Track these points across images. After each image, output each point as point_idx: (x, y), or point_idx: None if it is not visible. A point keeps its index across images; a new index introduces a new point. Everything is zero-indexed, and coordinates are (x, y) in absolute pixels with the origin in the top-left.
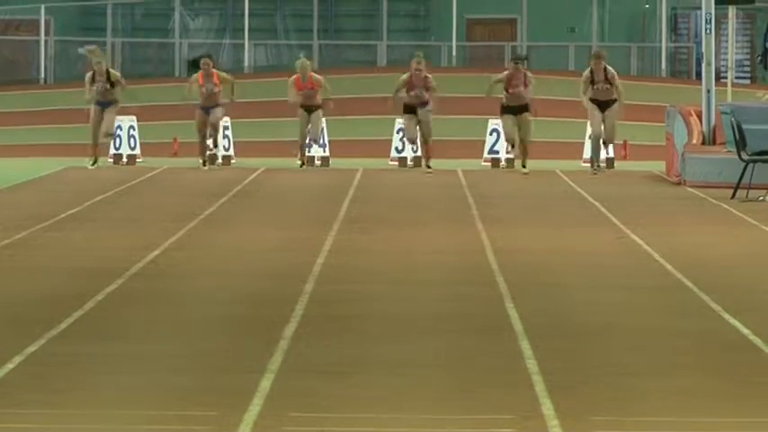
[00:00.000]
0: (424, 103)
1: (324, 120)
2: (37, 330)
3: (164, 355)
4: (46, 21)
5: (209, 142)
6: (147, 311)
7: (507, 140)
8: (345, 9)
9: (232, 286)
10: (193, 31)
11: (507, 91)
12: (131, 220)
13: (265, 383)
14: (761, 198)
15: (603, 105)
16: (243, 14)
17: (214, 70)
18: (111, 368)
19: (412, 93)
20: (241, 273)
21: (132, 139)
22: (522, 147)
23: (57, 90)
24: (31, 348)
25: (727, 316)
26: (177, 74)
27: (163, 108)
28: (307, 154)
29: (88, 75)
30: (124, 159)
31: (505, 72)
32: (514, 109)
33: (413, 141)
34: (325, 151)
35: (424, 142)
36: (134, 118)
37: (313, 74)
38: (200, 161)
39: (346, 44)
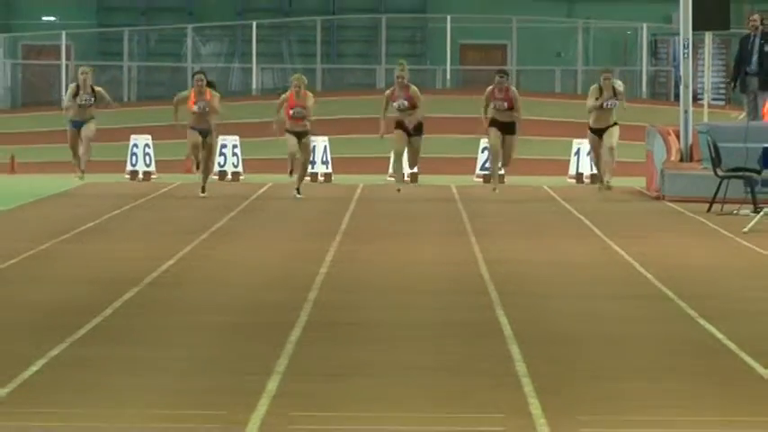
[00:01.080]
0: (419, 128)
1: (312, 144)
2: (59, 335)
3: (177, 358)
4: (67, 46)
5: (201, 172)
6: (162, 318)
7: (492, 153)
8: (346, 35)
9: (240, 295)
10: (205, 55)
11: (490, 102)
12: (146, 233)
13: (272, 385)
14: (735, 212)
15: (601, 132)
16: (251, 40)
17: (207, 88)
18: (128, 371)
19: (395, 103)
20: (249, 282)
21: (147, 157)
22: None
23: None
24: (54, 352)
25: (703, 322)
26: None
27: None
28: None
29: (72, 86)
30: (140, 176)
31: (490, 87)
32: (500, 125)
33: (399, 155)
34: (327, 168)
35: (410, 165)
36: (149, 137)
37: (307, 91)
38: (200, 189)
39: (347, 68)
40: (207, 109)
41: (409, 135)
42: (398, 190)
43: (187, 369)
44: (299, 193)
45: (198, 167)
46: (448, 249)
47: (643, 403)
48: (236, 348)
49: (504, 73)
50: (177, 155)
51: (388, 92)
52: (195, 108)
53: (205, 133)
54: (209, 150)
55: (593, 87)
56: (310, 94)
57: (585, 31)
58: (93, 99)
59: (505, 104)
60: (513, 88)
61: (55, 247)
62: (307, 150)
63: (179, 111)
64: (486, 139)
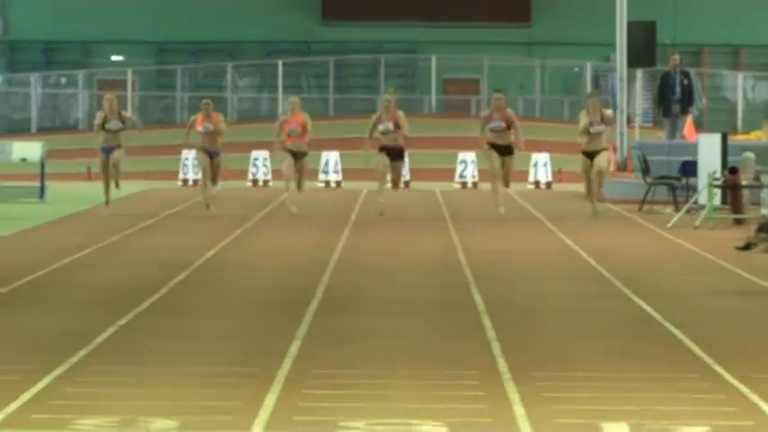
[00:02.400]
0: (400, 153)
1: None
2: (126, 309)
3: (217, 327)
4: (132, 80)
5: (212, 191)
6: (206, 295)
7: (492, 176)
8: (353, 71)
9: (268, 277)
10: (241, 87)
11: (488, 124)
12: (194, 228)
13: (294, 348)
14: (666, 211)
15: (592, 156)
16: (277, 75)
17: (214, 112)
18: (180, 336)
19: (381, 126)
20: (275, 266)
21: (196, 167)
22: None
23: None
24: (121, 322)
25: (635, 298)
26: (229, 118)
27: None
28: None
29: (99, 113)
30: (190, 182)
31: (487, 111)
32: (499, 148)
33: (382, 176)
34: (338, 176)
35: (393, 183)
36: (195, 152)
37: (302, 112)
38: (205, 204)
39: (354, 97)
40: (211, 129)
41: (391, 159)
42: (381, 213)
43: (226, 335)
44: (294, 209)
45: (204, 185)
46: (433, 240)
47: (587, 361)
48: (265, 319)
49: (500, 91)
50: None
51: (375, 115)
52: (201, 129)
53: (212, 154)
54: (215, 170)
55: (582, 112)
56: (306, 115)
57: (542, 68)
58: (121, 124)
59: (503, 125)
60: (510, 109)
61: (122, 239)
62: (302, 170)
63: (190, 135)
64: (485, 158)
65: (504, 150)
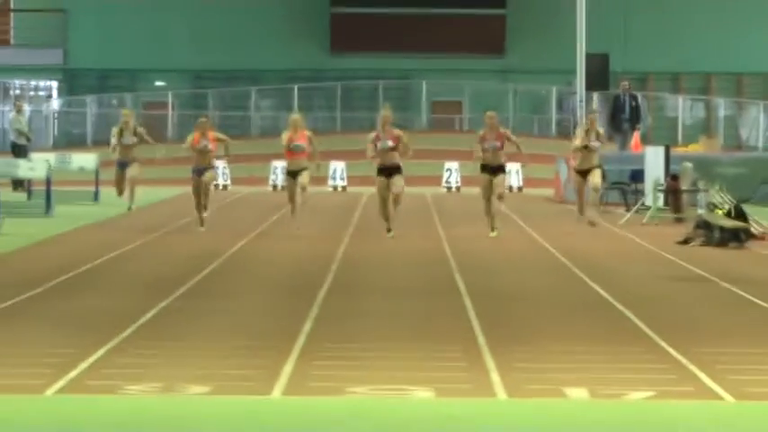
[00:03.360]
0: (397, 170)
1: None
2: (165, 293)
3: (242, 308)
4: (172, 102)
5: (205, 214)
6: (232, 281)
7: (484, 200)
8: (357, 94)
9: (285, 265)
10: (263, 108)
11: (483, 144)
12: (223, 225)
13: (307, 326)
14: (619, 212)
15: (585, 173)
16: (293, 97)
17: (211, 132)
18: (210, 316)
19: (379, 143)
20: (292, 257)
21: (225, 175)
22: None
23: (178, 144)
24: (162, 304)
25: (592, 283)
26: (252, 133)
27: (244, 155)
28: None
29: (115, 129)
30: (221, 187)
31: (481, 131)
32: (491, 169)
33: (383, 200)
34: (344, 182)
35: (393, 200)
36: (225, 163)
37: (306, 130)
38: (199, 225)
39: (357, 115)
40: (209, 148)
41: (388, 177)
42: (389, 230)
43: (249, 315)
44: (298, 229)
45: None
46: (423, 235)
47: (552, 335)
48: (282, 302)
49: (490, 110)
50: (244, 173)
51: (372, 134)
52: (199, 146)
53: (201, 171)
54: (204, 186)
55: (579, 129)
56: (309, 133)
57: (514, 91)
58: (135, 138)
59: (498, 144)
60: (503, 128)
61: (162, 236)
62: (304, 189)
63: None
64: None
65: (496, 170)
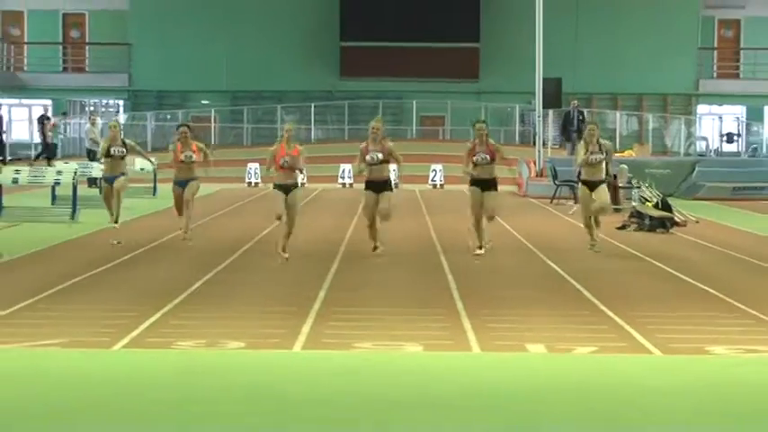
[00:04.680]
0: (386, 182)
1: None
2: (208, 268)
3: (269, 280)
4: (214, 117)
5: (185, 225)
6: (262, 259)
7: (474, 216)
8: (361, 110)
9: (304, 246)
10: (287, 120)
11: (473, 158)
12: (256, 213)
13: (322, 293)
14: (569, 204)
15: (592, 186)
16: (310, 113)
17: (193, 141)
18: (244, 286)
19: (368, 156)
20: (309, 239)
21: (256, 174)
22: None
23: (220, 149)
24: (206, 277)
25: (548, 261)
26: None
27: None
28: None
29: (104, 140)
30: (252, 184)
31: (468, 142)
32: (481, 183)
33: (370, 219)
34: (351, 180)
35: (381, 216)
36: (257, 164)
37: (297, 145)
38: (183, 238)
39: (361, 127)
40: (193, 158)
41: (377, 192)
42: (375, 248)
43: (274, 285)
44: (284, 251)
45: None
46: (413, 222)
47: (516, 303)
48: (301, 274)
49: (482, 122)
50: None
51: (362, 145)
52: (182, 157)
53: (183, 184)
54: (190, 192)
55: (581, 144)
56: (301, 147)
57: (486, 108)
58: (125, 150)
59: (488, 157)
60: (492, 141)
61: (207, 222)
62: (293, 207)
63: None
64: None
65: (488, 185)
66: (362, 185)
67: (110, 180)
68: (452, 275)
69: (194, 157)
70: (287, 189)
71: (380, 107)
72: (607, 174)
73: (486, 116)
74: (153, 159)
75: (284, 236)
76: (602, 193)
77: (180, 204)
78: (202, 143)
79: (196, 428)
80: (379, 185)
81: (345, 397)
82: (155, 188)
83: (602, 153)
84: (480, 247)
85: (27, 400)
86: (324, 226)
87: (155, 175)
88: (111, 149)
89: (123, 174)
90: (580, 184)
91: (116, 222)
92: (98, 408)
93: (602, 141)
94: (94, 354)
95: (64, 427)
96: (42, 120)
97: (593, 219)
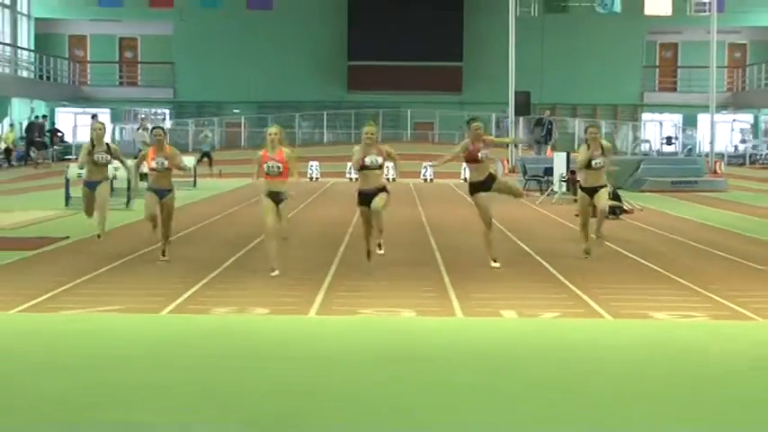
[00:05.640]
0: (381, 189)
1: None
2: (238, 248)
3: (289, 257)
4: (243, 123)
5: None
6: (282, 240)
7: (484, 222)
8: (364, 117)
9: (315, 229)
10: (303, 127)
11: (468, 162)
12: None
13: (332, 269)
14: (536, 195)
15: (592, 192)
16: (323, 120)
17: (167, 145)
18: (263, 263)
19: (367, 159)
20: (322, 223)
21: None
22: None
23: (249, 150)
24: (236, 256)
25: (519, 242)
26: (297, 144)
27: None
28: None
29: (86, 144)
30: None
31: (462, 143)
32: (482, 185)
33: (367, 231)
34: (356, 175)
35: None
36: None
37: (284, 148)
38: (161, 255)
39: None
40: (165, 165)
41: (370, 200)
42: (369, 253)
43: (293, 261)
44: (273, 271)
45: (154, 227)
46: (408, 211)
47: (493, 276)
48: (315, 253)
49: (475, 119)
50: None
51: (356, 155)
52: (154, 164)
53: (162, 194)
54: (167, 212)
55: (582, 147)
56: (288, 150)
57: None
58: (108, 156)
59: (487, 152)
60: (487, 135)
61: (236, 211)
62: (283, 216)
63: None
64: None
65: (486, 186)
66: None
67: (90, 185)
68: (440, 253)
69: (166, 164)
70: (277, 197)
71: (381, 115)
72: (608, 175)
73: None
74: (130, 166)
75: (273, 248)
76: (601, 198)
77: (155, 217)
78: (177, 151)
79: (230, 378)
80: (372, 196)
81: (351, 353)
82: (194, 181)
83: (603, 156)
84: (495, 260)
85: (92, 354)
86: (333, 214)
87: (194, 171)
88: (95, 155)
89: (107, 179)
90: (580, 191)
91: (99, 235)
92: (148, 360)
93: (603, 143)
94: (145, 318)
95: (122, 375)
96: (35, 126)
97: (597, 228)
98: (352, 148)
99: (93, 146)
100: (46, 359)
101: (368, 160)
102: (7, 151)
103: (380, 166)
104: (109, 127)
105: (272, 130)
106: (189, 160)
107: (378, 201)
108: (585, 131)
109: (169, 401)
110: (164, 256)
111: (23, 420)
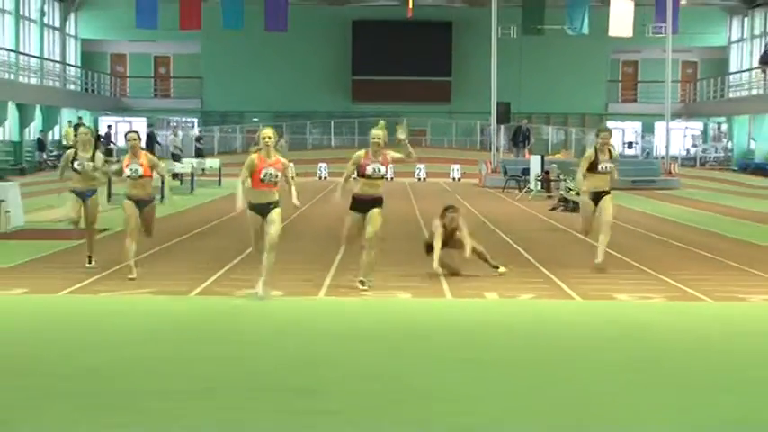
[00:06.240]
0: (377, 200)
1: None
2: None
3: (301, 247)
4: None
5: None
6: (295, 232)
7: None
8: (367, 125)
9: (325, 223)
10: (314, 133)
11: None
12: (287, 199)
13: (338, 256)
14: (515, 192)
15: (597, 197)
16: (331, 126)
17: (143, 151)
18: (284, 252)
19: (369, 168)
20: (328, 217)
21: (292, 168)
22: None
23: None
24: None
25: (500, 233)
26: (308, 147)
27: (304, 159)
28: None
29: (69, 152)
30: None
31: (438, 221)
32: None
33: (350, 242)
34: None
35: (368, 248)
36: (293, 164)
37: (280, 157)
38: (130, 274)
39: (367, 138)
40: (140, 173)
41: (366, 209)
42: (362, 282)
43: (305, 250)
44: (260, 292)
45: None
46: (403, 205)
47: (477, 262)
48: (324, 243)
49: (449, 208)
50: (303, 170)
51: (358, 159)
52: (128, 171)
53: (143, 204)
54: (145, 223)
55: (589, 152)
56: (284, 160)
57: (456, 125)
58: (91, 164)
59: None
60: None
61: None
62: (272, 232)
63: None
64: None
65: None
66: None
67: (81, 194)
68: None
69: (141, 171)
70: (265, 210)
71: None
72: (611, 180)
73: (456, 129)
74: (109, 168)
75: (264, 280)
76: (607, 210)
77: (136, 231)
78: (158, 158)
79: (249, 350)
80: (368, 203)
81: (355, 329)
82: (219, 181)
83: (611, 162)
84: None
85: (130, 328)
86: (338, 210)
87: (219, 172)
88: (76, 162)
89: (95, 191)
90: (583, 197)
91: (90, 262)
92: (177, 335)
93: (613, 151)
94: (176, 299)
95: (154, 347)
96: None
97: (601, 247)
98: (356, 151)
99: (75, 152)
100: (87, 334)
101: (370, 170)
102: (67, 148)
103: (383, 177)
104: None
105: (268, 132)
106: (214, 161)
107: (372, 224)
108: (597, 135)
109: (196, 369)
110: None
111: (69, 388)
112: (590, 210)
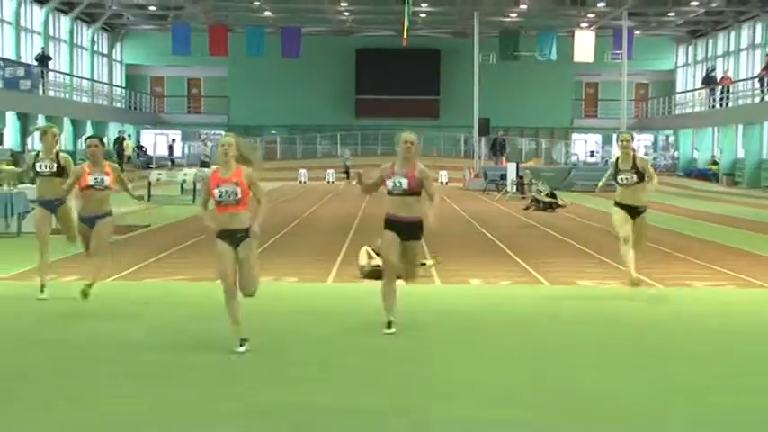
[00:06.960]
0: (416, 225)
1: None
2: (274, 233)
3: (310, 241)
4: (278, 141)
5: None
6: (306, 228)
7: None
8: (368, 138)
9: (332, 220)
10: (323, 144)
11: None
12: (303, 200)
13: (344, 248)
14: (494, 194)
15: (633, 211)
16: (338, 138)
17: (106, 161)
18: (296, 245)
19: (390, 182)
20: (334, 215)
21: (304, 175)
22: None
23: (282, 161)
24: (273, 239)
25: (482, 229)
26: (317, 156)
27: (315, 166)
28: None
29: (32, 154)
30: (300, 182)
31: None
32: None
33: (392, 269)
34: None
35: (406, 276)
36: (305, 170)
37: (242, 167)
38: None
39: (369, 148)
40: (106, 183)
41: (403, 239)
42: (389, 324)
43: (313, 243)
44: (241, 345)
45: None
46: None
47: (463, 254)
48: (331, 236)
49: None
50: (314, 175)
51: (386, 168)
52: (91, 181)
53: (92, 220)
54: (96, 240)
55: (612, 160)
56: (247, 170)
57: (445, 137)
58: (55, 168)
59: (635, 176)
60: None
61: (275, 205)
62: (247, 265)
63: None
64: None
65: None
66: (359, 188)
67: (46, 204)
68: (423, 238)
69: (107, 181)
70: (234, 238)
71: (379, 136)
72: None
73: (444, 141)
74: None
75: (234, 327)
76: (643, 226)
77: (88, 246)
78: (116, 164)
79: (270, 328)
80: (404, 227)
81: (358, 310)
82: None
83: (636, 173)
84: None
85: (164, 312)
86: (343, 208)
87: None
88: (38, 164)
89: (64, 203)
90: (614, 206)
91: (86, 294)
92: (209, 318)
93: (637, 156)
94: (207, 285)
95: (187, 326)
96: (120, 140)
97: (631, 250)
98: (358, 159)
99: (36, 155)
100: (129, 315)
101: (390, 184)
102: (126, 158)
103: (407, 193)
104: (179, 144)
105: (226, 139)
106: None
107: (409, 260)
108: (617, 139)
109: (227, 344)
110: (85, 294)
111: (115, 361)
112: (618, 219)
